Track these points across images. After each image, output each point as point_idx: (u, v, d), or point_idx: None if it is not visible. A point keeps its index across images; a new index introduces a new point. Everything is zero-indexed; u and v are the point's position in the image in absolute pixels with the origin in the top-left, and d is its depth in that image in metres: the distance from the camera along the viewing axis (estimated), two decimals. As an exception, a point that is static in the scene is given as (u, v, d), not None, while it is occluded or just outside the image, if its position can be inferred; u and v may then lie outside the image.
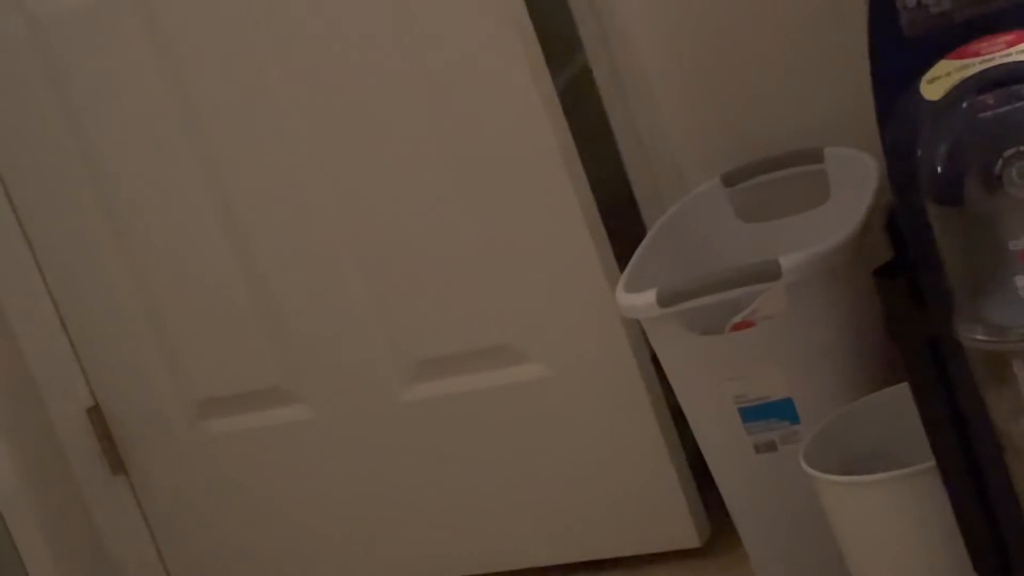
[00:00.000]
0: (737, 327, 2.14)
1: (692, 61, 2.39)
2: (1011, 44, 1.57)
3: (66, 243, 2.71)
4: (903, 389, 1.81)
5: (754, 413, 2.14)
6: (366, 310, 2.55)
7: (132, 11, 2.50)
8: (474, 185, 2.40)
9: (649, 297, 2.11)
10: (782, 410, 2.12)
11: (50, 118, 2.61)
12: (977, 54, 1.60)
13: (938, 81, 1.60)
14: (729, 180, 2.37)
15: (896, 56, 1.67)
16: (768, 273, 2.04)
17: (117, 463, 2.82)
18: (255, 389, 2.69)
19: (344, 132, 2.45)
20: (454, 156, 2.40)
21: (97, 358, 2.78)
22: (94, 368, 2.79)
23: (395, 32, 2.35)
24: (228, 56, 2.47)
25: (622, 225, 2.51)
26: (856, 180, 2.18)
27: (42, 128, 2.62)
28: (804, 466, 1.96)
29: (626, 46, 2.41)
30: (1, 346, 2.72)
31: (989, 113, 1.54)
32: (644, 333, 2.24)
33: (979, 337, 1.58)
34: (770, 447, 2.15)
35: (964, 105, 1.56)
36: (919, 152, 1.58)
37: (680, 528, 2.47)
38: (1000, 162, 1.51)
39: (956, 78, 1.59)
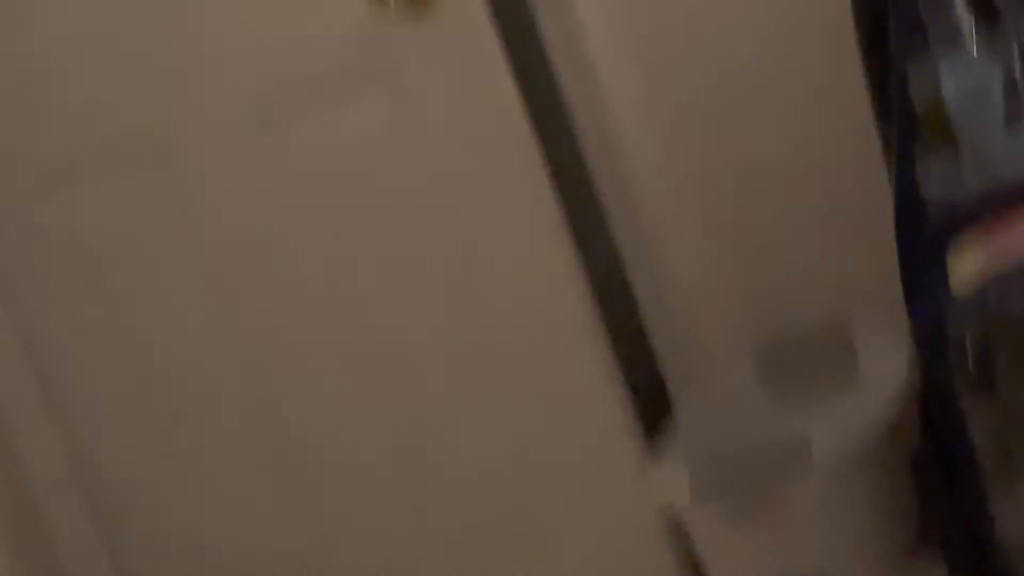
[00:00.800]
0: (769, 512, 2.12)
1: (721, 242, 2.41)
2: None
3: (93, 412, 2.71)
4: (940, 574, 1.80)
5: (788, 597, 2.12)
6: (396, 488, 2.53)
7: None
8: (504, 370, 2.41)
9: (681, 483, 2.10)
10: (816, 594, 2.10)
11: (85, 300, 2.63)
12: (1004, 239, 1.61)
13: (966, 267, 1.61)
14: (759, 363, 2.37)
15: (922, 239, 1.68)
16: (799, 456, 2.04)
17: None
18: (283, 565, 2.67)
19: (373, 313, 2.46)
20: (485, 344, 2.41)
21: (125, 536, 2.76)
22: (121, 546, 2.77)
23: (443, 226, 2.38)
24: (257, 224, 2.50)
25: (651, 408, 2.51)
26: (886, 364, 2.17)
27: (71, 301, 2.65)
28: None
29: (655, 229, 2.43)
30: (30, 526, 2.72)
31: (1018, 300, 1.55)
32: (677, 519, 2.23)
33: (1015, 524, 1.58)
34: (805, 630, 2.13)
35: (992, 290, 1.57)
36: (948, 338, 1.58)
37: None
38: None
39: (984, 263, 1.60)
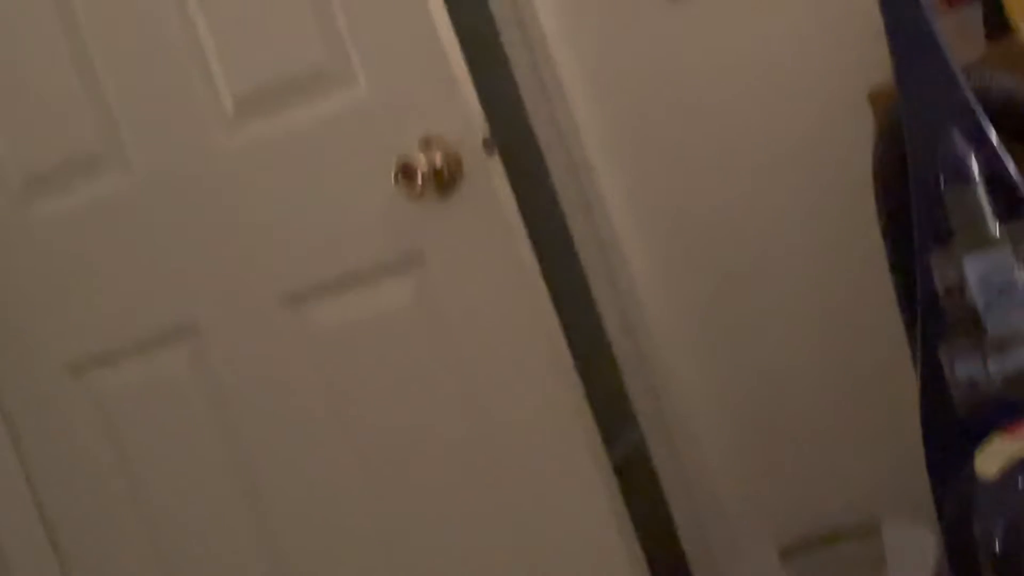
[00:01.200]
0: None
1: (747, 431, 2.40)
2: (1062, 422, 1.58)
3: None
4: None
5: None
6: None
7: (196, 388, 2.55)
8: (528, 553, 2.39)
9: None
10: None
11: (105, 478, 2.62)
12: (1030, 430, 1.60)
13: (993, 459, 1.60)
14: (786, 554, 2.35)
15: (949, 432, 1.68)
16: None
17: None
18: None
19: (400, 498, 2.45)
20: (509, 525, 2.39)
21: None
22: None
23: (456, 405, 2.37)
24: (283, 416, 2.50)
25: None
26: (914, 555, 2.15)
27: (97, 486, 2.63)
28: None
29: (681, 419, 2.43)
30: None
31: (1046, 492, 1.53)
32: None
33: None
34: None
35: (1020, 484, 1.56)
36: (976, 530, 1.57)
37: None
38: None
39: (1011, 455, 1.59)
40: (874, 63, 2.05)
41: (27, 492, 2.67)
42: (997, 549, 1.53)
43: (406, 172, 2.23)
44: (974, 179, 1.78)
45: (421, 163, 2.22)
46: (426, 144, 2.25)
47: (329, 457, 2.47)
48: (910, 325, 1.88)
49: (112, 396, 2.60)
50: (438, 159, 2.24)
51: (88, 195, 2.53)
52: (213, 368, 2.51)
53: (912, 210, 1.81)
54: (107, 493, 2.63)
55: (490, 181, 2.25)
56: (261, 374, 2.48)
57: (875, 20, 1.88)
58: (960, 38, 1.94)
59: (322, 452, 2.47)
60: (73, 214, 2.55)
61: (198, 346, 2.51)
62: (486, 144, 2.24)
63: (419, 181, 2.22)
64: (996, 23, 2.04)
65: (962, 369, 1.68)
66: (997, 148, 1.79)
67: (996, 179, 1.78)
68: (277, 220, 2.41)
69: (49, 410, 2.63)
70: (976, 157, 1.79)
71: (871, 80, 2.14)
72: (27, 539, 2.68)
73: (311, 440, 2.48)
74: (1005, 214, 1.76)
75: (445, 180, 2.25)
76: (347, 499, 2.48)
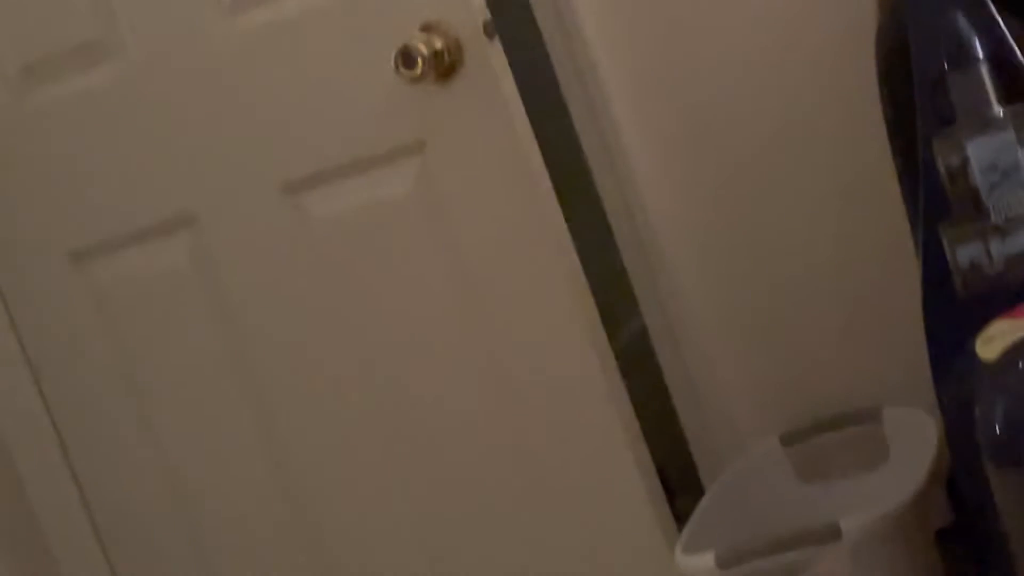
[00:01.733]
0: (798, 590, 2.11)
1: (748, 320, 2.40)
2: (1065, 305, 1.58)
3: (122, 502, 2.71)
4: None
5: None
6: (423, 569, 2.52)
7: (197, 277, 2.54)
8: (530, 446, 2.40)
9: (708, 559, 2.08)
10: (847, 675, 2.08)
11: (105, 366, 2.63)
12: (1032, 314, 1.60)
13: (994, 342, 1.60)
14: (787, 440, 2.36)
15: (950, 316, 1.68)
16: (828, 535, 2.02)
17: None
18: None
19: (400, 391, 2.46)
20: (509, 416, 2.40)
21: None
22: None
23: (455, 293, 2.37)
24: (282, 305, 2.50)
25: (680, 485, 2.50)
26: (915, 440, 2.16)
27: (97, 374, 2.64)
28: None
29: (682, 307, 2.42)
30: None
31: (1046, 373, 1.53)
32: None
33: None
34: None
35: (1021, 366, 1.56)
36: (977, 413, 1.57)
37: None
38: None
39: (1012, 339, 1.59)
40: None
41: (29, 382, 2.68)
42: (997, 431, 1.54)
43: (406, 58, 2.21)
44: (978, 62, 1.77)
45: (421, 49, 2.21)
46: (426, 29, 2.23)
47: (328, 343, 2.47)
48: (912, 210, 1.88)
49: (111, 285, 2.60)
50: (438, 44, 2.22)
51: (86, 84, 2.52)
52: (212, 257, 2.50)
53: (915, 94, 1.80)
54: (106, 381, 2.64)
55: (490, 66, 2.23)
56: (260, 263, 2.48)
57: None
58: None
59: (321, 338, 2.47)
60: (71, 103, 2.54)
61: (197, 235, 2.51)
62: (486, 28, 2.22)
63: (419, 67, 2.21)
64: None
65: (964, 253, 1.68)
66: (1002, 30, 1.78)
67: (1000, 62, 1.77)
68: (276, 108, 2.40)
69: (49, 299, 2.63)
70: (980, 40, 1.78)
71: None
72: (29, 425, 2.70)
73: (310, 327, 2.48)
74: (1009, 97, 1.75)
75: (445, 66, 2.23)
76: (345, 385, 2.49)
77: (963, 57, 1.77)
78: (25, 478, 2.71)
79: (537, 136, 2.27)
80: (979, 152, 1.71)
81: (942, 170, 1.73)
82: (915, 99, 1.81)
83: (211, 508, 2.65)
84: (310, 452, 2.55)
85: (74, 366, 2.66)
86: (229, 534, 2.65)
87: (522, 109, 2.26)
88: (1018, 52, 1.78)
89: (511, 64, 2.26)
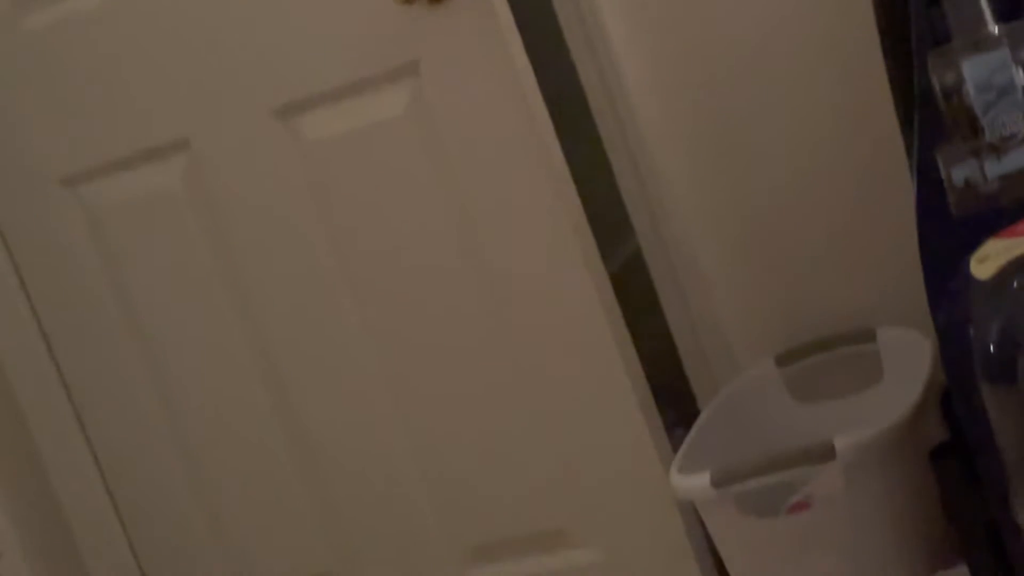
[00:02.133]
0: (793, 509, 2.12)
1: (743, 241, 2.40)
2: (1060, 223, 1.58)
3: (120, 431, 2.72)
4: (963, 572, 1.78)
5: (812, 596, 2.11)
6: (419, 493, 2.54)
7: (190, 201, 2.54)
8: (525, 366, 2.40)
9: (703, 479, 2.09)
10: (841, 593, 2.09)
11: (99, 290, 2.63)
12: (1027, 232, 1.60)
13: (988, 261, 1.60)
14: (782, 361, 2.37)
15: (944, 235, 1.67)
16: (823, 454, 2.03)
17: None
18: (308, 574, 2.67)
19: (397, 315, 2.46)
20: (505, 337, 2.40)
21: (150, 546, 2.77)
22: (147, 557, 2.78)
23: (449, 215, 2.37)
24: (280, 240, 2.50)
25: (675, 406, 2.51)
26: (909, 360, 2.17)
27: (91, 299, 2.65)
28: (863, 651, 1.93)
29: (677, 228, 2.42)
30: (53, 526, 2.72)
31: (1040, 292, 1.53)
32: (699, 515, 2.22)
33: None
34: (830, 631, 2.12)
35: (1015, 284, 1.56)
36: (971, 332, 1.57)
37: None
38: (1053, 341, 1.51)
39: (1006, 257, 1.59)
40: None
41: (25, 306, 2.69)
42: (991, 349, 1.54)
43: (399, -21, 2.20)
44: (974, -21, 1.76)
45: (413, -31, 2.20)
46: (419, -52, 2.23)
47: (320, 267, 2.47)
48: (907, 131, 1.87)
49: (105, 209, 2.60)
50: (431, -36, 2.21)
51: (77, 9, 2.51)
52: (205, 181, 2.50)
53: (910, 11, 1.79)
54: (100, 304, 2.64)
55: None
56: (254, 186, 2.48)
57: None
58: None
59: (314, 262, 2.48)
60: (63, 28, 2.53)
61: (190, 160, 2.50)
62: (479, -52, 2.21)
63: (412, -13, 2.20)
64: None
65: (959, 172, 1.67)
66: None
67: (996, -21, 1.76)
68: (270, 32, 2.39)
69: (43, 222, 2.63)
70: (976, -43, 1.76)
71: None
72: (25, 349, 2.71)
73: (303, 251, 2.48)
74: (1005, 15, 1.74)
75: (438, -14, 2.23)
76: (340, 303, 2.49)
77: (959, -26, 1.76)
78: (23, 401, 2.72)
79: (531, 57, 2.26)
80: (974, 71, 1.70)
81: (937, 89, 1.72)
82: (910, 17, 1.80)
83: (206, 423, 2.66)
84: (305, 369, 2.55)
85: (69, 290, 2.66)
86: (223, 448, 2.66)
87: (516, 29, 2.25)
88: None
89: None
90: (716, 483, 2.09)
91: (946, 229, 1.67)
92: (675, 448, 2.27)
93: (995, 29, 1.73)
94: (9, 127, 2.61)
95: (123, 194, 2.58)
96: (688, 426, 2.29)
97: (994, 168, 1.66)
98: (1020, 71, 1.69)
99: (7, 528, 2.62)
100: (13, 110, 2.60)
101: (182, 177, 2.52)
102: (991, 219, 1.64)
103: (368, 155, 2.39)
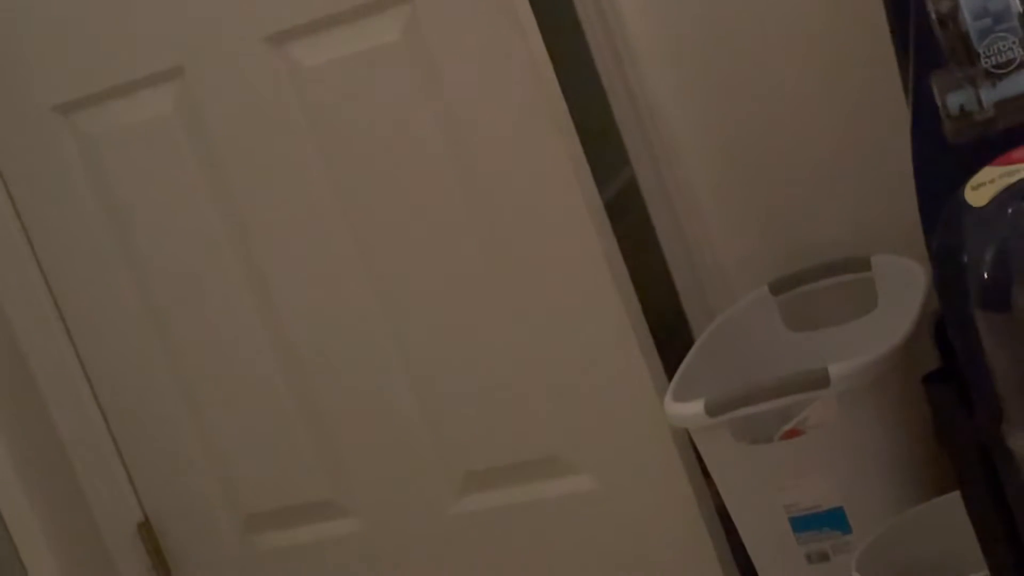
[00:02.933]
0: (786, 436, 2.13)
1: (737, 171, 2.40)
2: (1055, 150, 1.58)
3: (114, 357, 2.72)
4: (955, 497, 1.79)
5: (805, 523, 2.12)
6: (414, 421, 2.54)
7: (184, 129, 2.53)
8: (520, 295, 2.41)
9: (697, 406, 2.10)
10: (833, 520, 2.10)
11: (95, 219, 2.63)
12: (1022, 160, 1.59)
13: (983, 188, 1.59)
14: (776, 288, 2.37)
15: (940, 163, 1.67)
16: (817, 382, 2.04)
17: (167, 578, 2.82)
18: (304, 502, 2.68)
19: (392, 244, 2.47)
20: (501, 266, 2.41)
21: (147, 473, 2.78)
22: (144, 483, 2.79)
23: (444, 141, 2.37)
24: (275, 167, 2.49)
25: (670, 334, 2.51)
26: (904, 287, 2.17)
27: (86, 228, 2.64)
28: (857, 576, 1.94)
29: (672, 157, 2.42)
30: (53, 462, 2.72)
31: (1035, 219, 1.53)
32: (693, 443, 2.23)
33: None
34: (822, 557, 2.13)
35: (1010, 211, 1.56)
36: (965, 259, 1.57)
37: (732, 640, 2.45)
38: (1047, 268, 1.51)
39: (1001, 184, 1.58)
40: None
41: (19, 233, 2.68)
42: (985, 276, 1.54)
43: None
44: (970, -96, 1.75)
45: None
46: None
47: (314, 192, 2.47)
48: (902, 57, 1.87)
49: (99, 136, 2.59)
50: None
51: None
52: (199, 108, 2.50)
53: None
54: (96, 231, 2.64)
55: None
56: (247, 113, 2.47)
57: None
58: None
59: (308, 188, 2.47)
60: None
61: (184, 87, 2.49)
62: None
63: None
64: None
65: (954, 99, 1.66)
66: None
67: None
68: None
69: (37, 150, 2.63)
70: None
71: None
72: (19, 276, 2.71)
73: (297, 177, 2.48)
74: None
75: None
76: (332, 232, 2.49)
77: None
78: (19, 331, 2.72)
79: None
80: (971, -3, 1.69)
81: (932, 16, 1.71)
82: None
83: (202, 351, 2.66)
84: (300, 296, 2.56)
85: (64, 217, 2.65)
86: (220, 377, 2.67)
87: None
88: None
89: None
90: (710, 411, 2.10)
91: (941, 156, 1.67)
92: (669, 376, 2.28)
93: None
94: (3, 55, 2.60)
95: (117, 121, 2.57)
96: (682, 354, 2.30)
97: (990, 95, 1.65)
98: (1016, -5, 1.68)
99: (6, 465, 2.63)
100: (7, 38, 2.59)
101: (176, 104, 2.52)
102: (986, 146, 1.63)
103: (362, 81, 2.38)
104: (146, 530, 2.80)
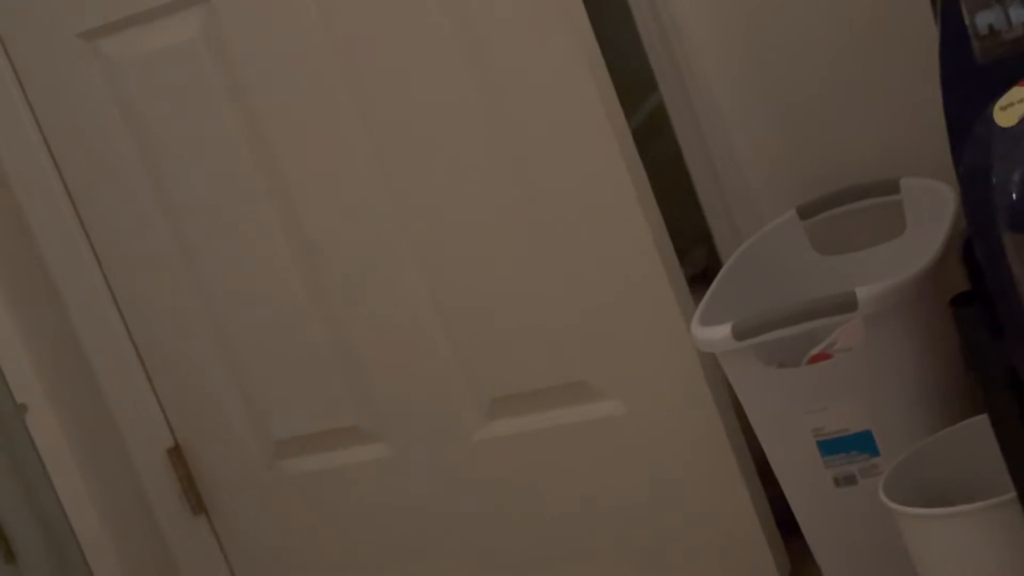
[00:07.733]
0: (814, 359, 2.12)
1: (765, 95, 2.39)
2: (1085, 70, 1.56)
3: (144, 284, 2.73)
4: (983, 420, 1.79)
5: (833, 446, 2.13)
6: (442, 347, 2.55)
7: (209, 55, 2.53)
8: (549, 222, 2.40)
9: (725, 330, 2.10)
10: (861, 443, 2.10)
11: (126, 157, 2.63)
12: (1051, 80, 1.58)
13: (1012, 108, 1.59)
14: (805, 212, 2.36)
15: (968, 83, 1.66)
16: (845, 305, 2.03)
17: (197, 503, 2.83)
18: (333, 428, 2.69)
19: (418, 172, 2.46)
20: (528, 193, 2.40)
21: (177, 399, 2.79)
22: (174, 409, 2.80)
23: (469, 72, 2.36)
24: (301, 95, 2.49)
25: (698, 258, 2.51)
26: (932, 210, 2.16)
27: (118, 166, 2.64)
28: (884, 499, 1.95)
29: (700, 82, 2.41)
30: (82, 388, 2.74)
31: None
32: (721, 367, 2.23)
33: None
34: (850, 480, 2.13)
35: (1039, 131, 1.55)
36: (993, 180, 1.56)
37: (760, 563, 2.46)
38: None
39: (1031, 104, 1.58)
40: None
41: (47, 158, 2.69)
42: (1014, 197, 1.53)
43: None
44: None
45: None
46: None
47: (344, 123, 2.47)
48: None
49: (125, 62, 2.59)
50: None
51: None
52: (224, 35, 2.49)
53: None
54: (120, 157, 2.64)
55: None
56: (273, 39, 2.47)
57: None
58: None
59: (336, 119, 2.47)
60: None
61: (209, 13, 2.49)
62: None
63: None
64: None
65: (982, 18, 1.65)
66: None
67: None
68: None
69: (63, 76, 2.63)
70: None
71: None
72: (47, 202, 2.71)
73: (323, 100, 2.47)
74: None
75: None
76: (363, 162, 2.49)
77: None
78: (46, 253, 2.73)
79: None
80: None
81: (962, -65, 1.70)
82: None
83: (229, 275, 2.67)
84: (329, 220, 2.55)
85: (90, 143, 2.66)
86: (247, 300, 2.68)
87: None
88: None
89: None
90: (737, 335, 2.09)
91: (969, 77, 1.66)
92: (697, 300, 2.28)
93: None
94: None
95: (142, 48, 2.56)
96: (710, 279, 2.29)
97: (1019, 14, 1.64)
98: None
99: (33, 380, 2.65)
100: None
101: (201, 30, 2.51)
102: (1015, 66, 1.62)
103: (389, 13, 2.38)
104: (176, 455, 2.81)
